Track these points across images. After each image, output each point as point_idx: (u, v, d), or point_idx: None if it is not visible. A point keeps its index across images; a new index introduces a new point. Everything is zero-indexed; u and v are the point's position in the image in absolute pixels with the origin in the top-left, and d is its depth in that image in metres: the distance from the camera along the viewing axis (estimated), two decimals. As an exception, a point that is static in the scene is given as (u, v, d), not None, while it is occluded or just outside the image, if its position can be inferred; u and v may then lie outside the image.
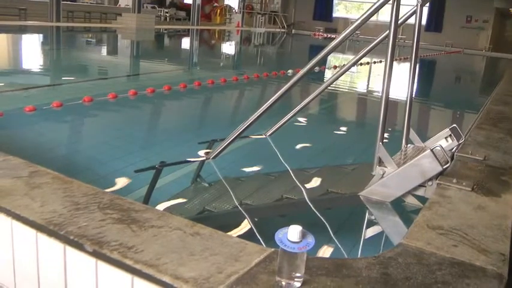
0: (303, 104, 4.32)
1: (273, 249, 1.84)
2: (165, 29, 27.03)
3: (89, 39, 19.28)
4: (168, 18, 31.87)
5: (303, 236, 1.58)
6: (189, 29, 28.20)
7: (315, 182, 3.64)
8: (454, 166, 3.30)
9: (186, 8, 32.55)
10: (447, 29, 30.25)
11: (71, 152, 4.64)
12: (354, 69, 12.87)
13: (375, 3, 3.09)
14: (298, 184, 3.52)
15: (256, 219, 3.03)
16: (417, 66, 3.65)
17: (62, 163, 4.00)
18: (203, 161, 3.80)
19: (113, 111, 6.38)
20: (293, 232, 1.57)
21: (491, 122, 5.20)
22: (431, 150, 3.05)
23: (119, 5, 31.93)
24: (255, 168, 3.91)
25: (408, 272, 1.81)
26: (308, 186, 3.50)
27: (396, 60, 15.52)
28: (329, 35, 31.79)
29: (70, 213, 2.04)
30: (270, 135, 4.47)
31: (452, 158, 3.45)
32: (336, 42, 3.22)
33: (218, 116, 6.95)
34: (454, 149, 3.64)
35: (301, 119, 5.96)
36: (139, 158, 4.21)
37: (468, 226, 2.32)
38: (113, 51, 16.17)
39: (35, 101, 5.82)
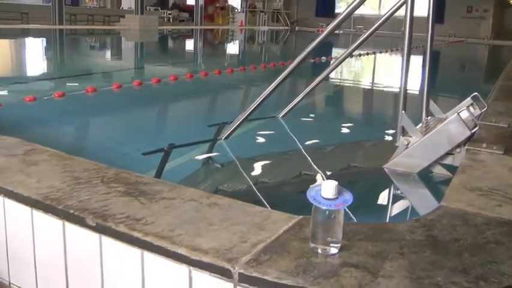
0: (312, 85, 4.29)
1: (301, 216, 1.62)
2: (169, 30, 26.81)
3: (91, 41, 19.08)
4: (171, 20, 31.67)
5: (339, 192, 1.35)
6: (192, 30, 27.99)
7: (334, 157, 3.42)
8: (480, 133, 3.08)
9: (189, 9, 32.35)
10: (449, 19, 29.94)
11: (73, 137, 4.41)
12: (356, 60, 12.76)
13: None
14: (317, 160, 3.30)
15: (274, 197, 2.80)
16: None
17: (68, 147, 3.74)
18: (214, 142, 3.59)
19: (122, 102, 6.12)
20: (328, 188, 1.34)
21: (507, 95, 5.14)
22: (458, 113, 2.82)
23: (122, 7, 31.78)
24: (269, 149, 3.69)
25: (455, 234, 1.58)
26: (327, 162, 3.27)
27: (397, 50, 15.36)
28: (332, 30, 31.43)
29: (70, 187, 1.82)
30: (282, 116, 4.31)
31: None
32: (325, 32, 3.36)
33: (231, 103, 6.73)
34: (477, 118, 3.43)
35: (313, 101, 5.80)
36: (147, 142, 3.96)
37: (508, 186, 2.12)
38: (116, 51, 15.94)
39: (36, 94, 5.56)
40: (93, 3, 32.94)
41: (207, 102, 6.88)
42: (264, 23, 34.17)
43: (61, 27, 20.68)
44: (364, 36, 3.93)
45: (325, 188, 1.33)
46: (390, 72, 12.11)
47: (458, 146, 2.81)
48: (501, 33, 29.00)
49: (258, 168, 3.26)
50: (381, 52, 15.42)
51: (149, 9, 29.93)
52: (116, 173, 2.02)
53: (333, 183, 1.34)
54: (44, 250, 1.73)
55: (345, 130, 4.55)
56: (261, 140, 3.98)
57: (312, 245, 1.39)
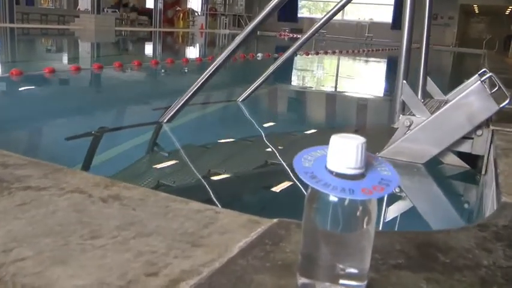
0: (269, 70, 3.99)
1: (276, 220, 0.86)
2: (127, 32, 25.88)
3: (42, 40, 18.09)
4: (129, 22, 30.79)
5: (367, 162, 0.60)
6: (151, 32, 27.12)
7: (309, 143, 2.70)
8: (497, 114, 2.38)
9: (148, 12, 31.52)
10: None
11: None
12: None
13: None
14: (285, 147, 2.56)
15: (230, 193, 2.04)
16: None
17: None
18: (159, 127, 2.83)
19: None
20: (344, 150, 0.58)
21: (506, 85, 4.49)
22: (482, 81, 2.12)
23: (79, 8, 30.73)
24: (228, 134, 2.97)
25: None
26: (299, 148, 2.53)
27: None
28: (295, 35, 31.02)
29: None
30: (242, 100, 3.65)
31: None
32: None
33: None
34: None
35: (279, 86, 5.21)
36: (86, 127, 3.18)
37: None
38: (66, 48, 14.99)
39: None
40: (49, 4, 31.91)
41: (160, 88, 6.12)
42: (225, 26, 33.49)
43: (12, 25, 19.71)
44: (307, 35, 4.13)
45: (338, 151, 0.58)
46: (352, 66, 11.85)
47: (480, 127, 2.10)
48: (466, 41, 29.88)
49: (213, 156, 2.54)
50: (347, 52, 15.26)
51: (107, 11, 29.08)
52: (-30, 152, 1.23)
53: (355, 142, 0.58)
54: None
55: (318, 115, 3.88)
56: (219, 124, 3.31)
57: (303, 280, 0.63)
